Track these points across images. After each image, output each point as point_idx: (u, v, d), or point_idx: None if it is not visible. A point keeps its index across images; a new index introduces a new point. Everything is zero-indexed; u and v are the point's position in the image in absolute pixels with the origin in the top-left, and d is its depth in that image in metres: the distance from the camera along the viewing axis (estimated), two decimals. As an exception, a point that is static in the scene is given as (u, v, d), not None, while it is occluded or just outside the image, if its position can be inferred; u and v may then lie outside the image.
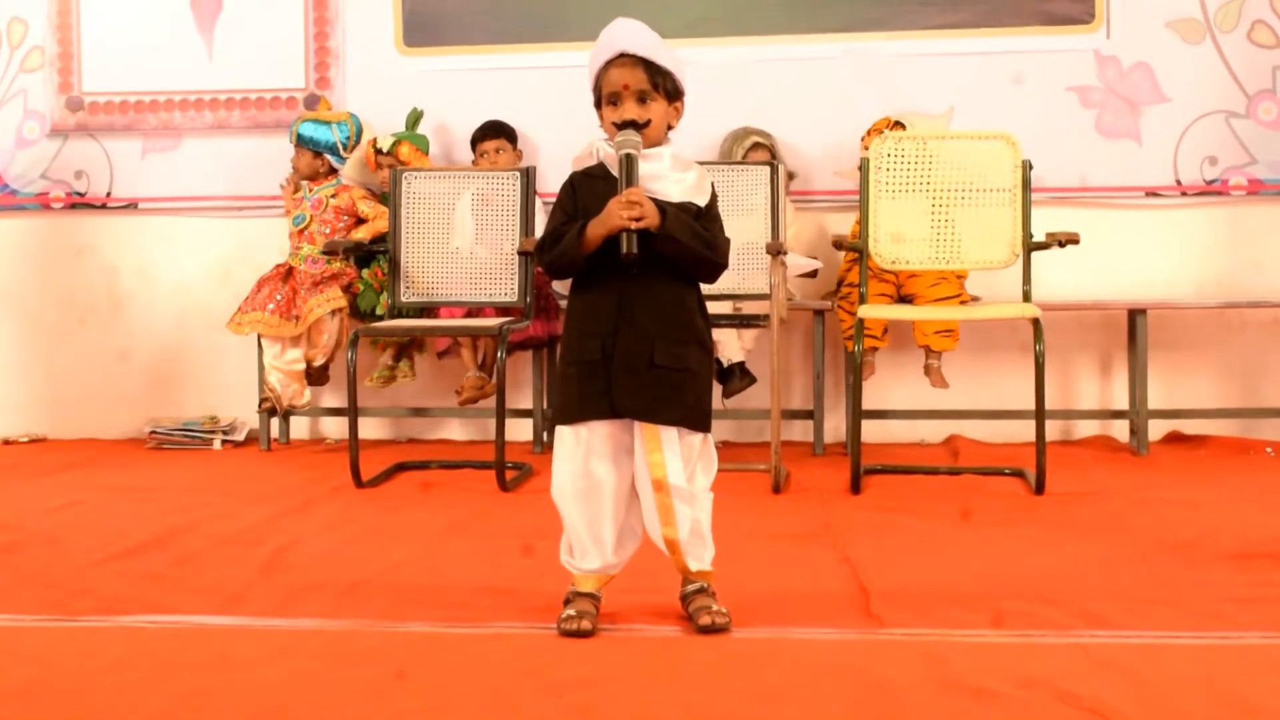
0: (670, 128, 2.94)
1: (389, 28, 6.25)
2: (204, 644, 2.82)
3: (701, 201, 2.93)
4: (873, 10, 6.02)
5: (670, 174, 2.89)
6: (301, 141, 5.92)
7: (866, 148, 5.61)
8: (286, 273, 5.88)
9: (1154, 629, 2.83)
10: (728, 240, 2.97)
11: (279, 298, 5.77)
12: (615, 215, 2.78)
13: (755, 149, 5.78)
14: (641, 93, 2.87)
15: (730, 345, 5.66)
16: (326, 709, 2.37)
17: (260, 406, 5.90)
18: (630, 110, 2.86)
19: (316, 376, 5.96)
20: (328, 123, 5.96)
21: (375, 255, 5.78)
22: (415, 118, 6.06)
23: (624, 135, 2.84)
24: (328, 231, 5.86)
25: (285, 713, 2.35)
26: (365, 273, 5.91)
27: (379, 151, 5.98)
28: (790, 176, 5.77)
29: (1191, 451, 5.61)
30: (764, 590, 3.20)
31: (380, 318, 5.67)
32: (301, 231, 5.91)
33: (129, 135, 6.38)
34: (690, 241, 2.85)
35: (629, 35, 2.90)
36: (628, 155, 2.82)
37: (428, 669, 2.59)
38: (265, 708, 2.37)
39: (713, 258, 2.91)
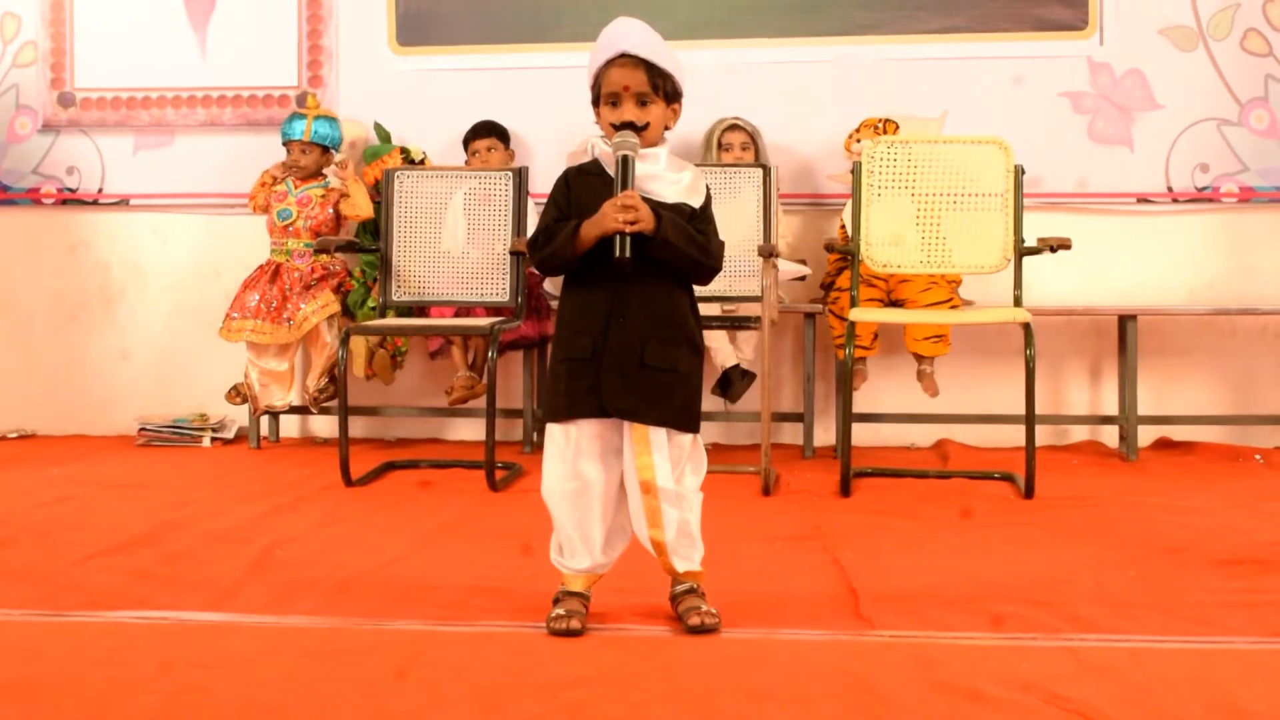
0: (667, 128, 2.94)
1: (382, 26, 6.24)
2: (194, 640, 2.82)
3: (696, 203, 2.93)
4: (867, 14, 6.03)
5: (666, 175, 2.89)
6: (317, 138, 5.91)
7: (857, 141, 5.63)
8: (273, 272, 5.86)
9: (1143, 633, 2.83)
10: (722, 243, 2.97)
11: (271, 301, 5.76)
12: (610, 218, 2.77)
13: (732, 130, 5.79)
14: (641, 95, 2.87)
15: (723, 351, 5.65)
16: (318, 706, 2.37)
17: (229, 396, 5.89)
18: (629, 112, 2.86)
19: (327, 396, 5.88)
20: (335, 120, 5.97)
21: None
22: (387, 133, 6.09)
23: (621, 136, 2.84)
24: (310, 225, 5.86)
25: (276, 710, 2.35)
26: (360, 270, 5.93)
27: (411, 162, 5.94)
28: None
29: (1180, 457, 5.62)
30: (753, 591, 3.21)
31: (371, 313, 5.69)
32: (287, 227, 5.90)
33: (121, 131, 6.38)
34: (685, 246, 2.84)
35: (631, 35, 2.90)
36: (624, 157, 2.81)
37: (418, 667, 2.58)
38: (256, 705, 2.37)
39: (707, 262, 2.91)
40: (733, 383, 5.71)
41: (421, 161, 5.97)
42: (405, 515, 4.33)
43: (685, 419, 2.88)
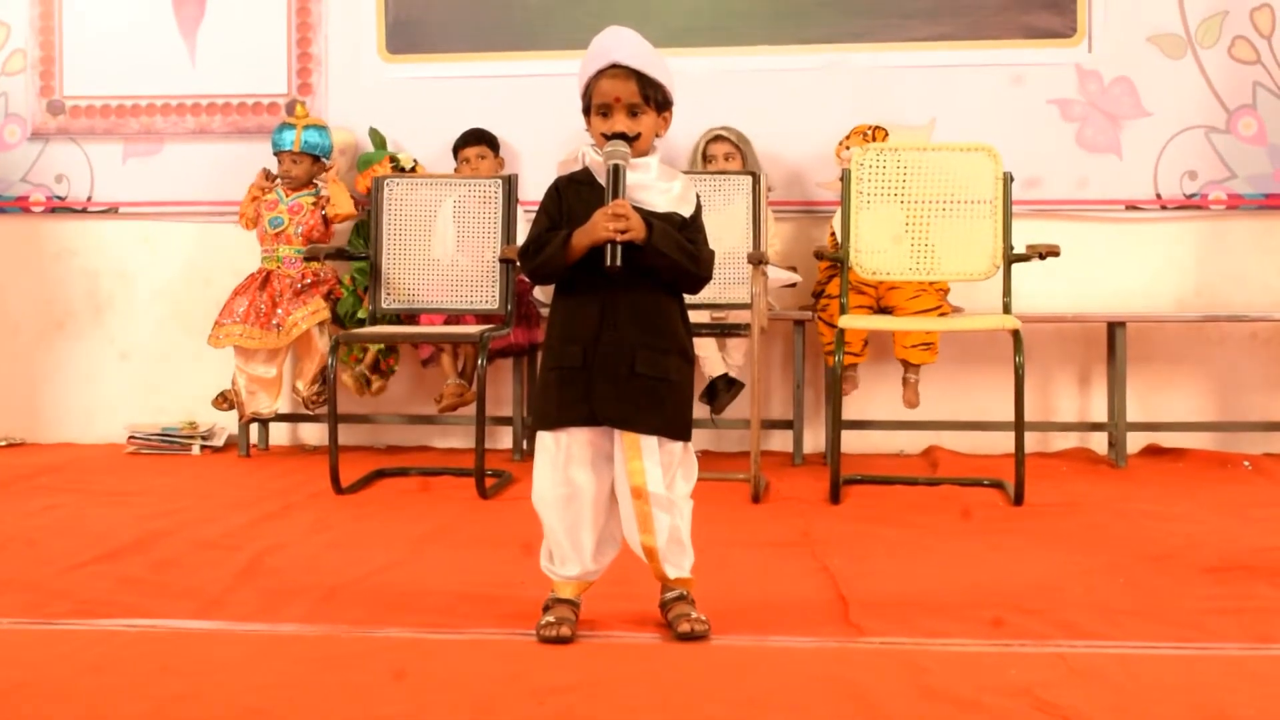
0: (658, 136, 2.95)
1: (371, 34, 6.24)
2: (183, 648, 2.82)
3: (686, 212, 2.93)
4: (856, 22, 6.03)
5: (656, 184, 2.90)
6: (307, 148, 5.91)
7: (845, 149, 5.64)
8: (264, 280, 5.85)
9: (1132, 639, 2.84)
10: (712, 252, 2.98)
11: (261, 307, 5.75)
12: (601, 227, 2.78)
13: (716, 140, 5.79)
14: (633, 106, 2.87)
15: (711, 360, 5.66)
16: (307, 713, 2.37)
17: (216, 402, 5.90)
18: (621, 123, 2.86)
19: (324, 398, 5.84)
20: (324, 128, 5.97)
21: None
22: (382, 139, 6.09)
23: (613, 146, 2.84)
24: (301, 231, 5.85)
25: (265, 716, 2.35)
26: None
27: (400, 169, 5.94)
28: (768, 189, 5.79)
29: (1170, 464, 5.62)
30: (743, 598, 3.21)
31: (361, 323, 5.68)
32: (278, 234, 5.89)
33: (110, 139, 6.37)
34: (676, 255, 2.85)
35: (623, 45, 2.90)
36: (616, 166, 2.82)
37: (408, 674, 2.58)
38: (245, 712, 2.37)
39: (697, 271, 2.91)
40: (719, 393, 5.71)
41: (412, 169, 5.97)
42: (395, 522, 4.33)
43: (677, 427, 2.88)
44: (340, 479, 4.85)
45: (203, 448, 6.03)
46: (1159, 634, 2.89)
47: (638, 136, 2.88)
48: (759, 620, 3.00)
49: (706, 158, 5.77)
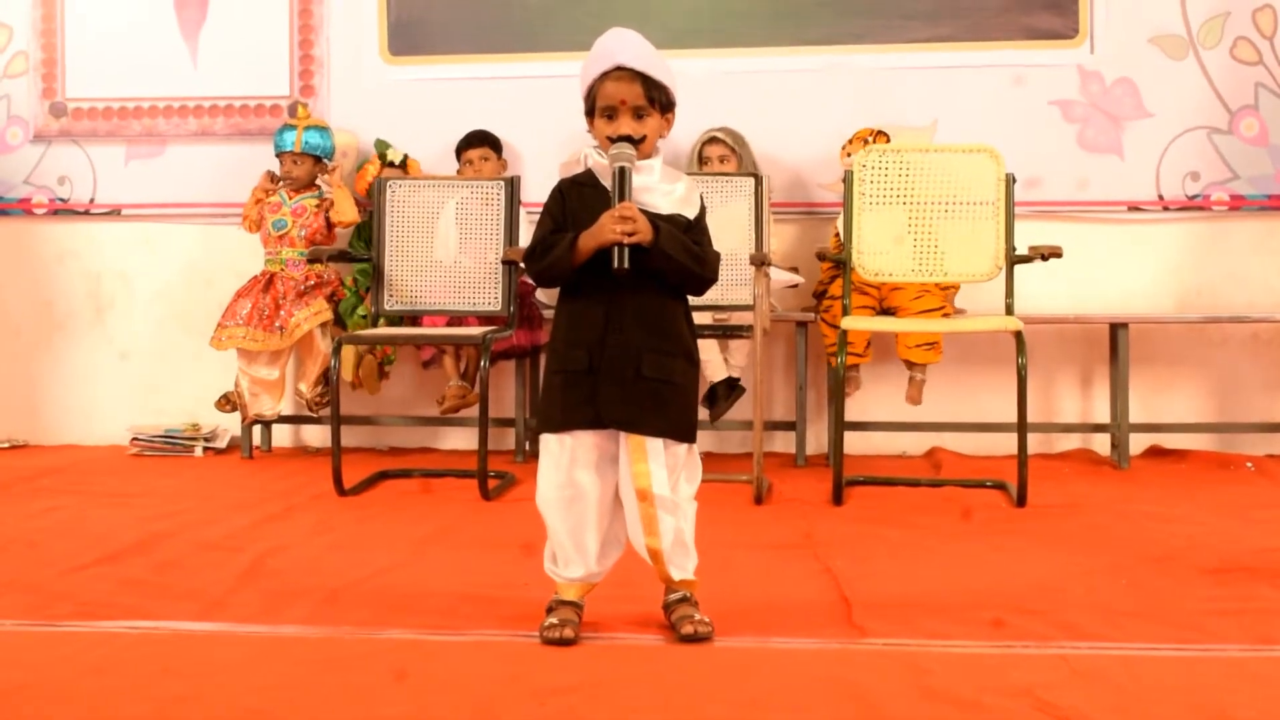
0: (660, 138, 2.94)
1: (373, 36, 6.24)
2: (185, 650, 2.82)
3: (690, 214, 2.93)
4: (856, 23, 6.03)
5: (660, 186, 2.89)
6: (308, 149, 5.91)
7: (846, 155, 5.64)
8: (267, 282, 5.85)
9: (1134, 640, 2.84)
10: (718, 254, 2.98)
11: (264, 309, 5.75)
12: (608, 229, 2.77)
13: (711, 142, 5.79)
14: (638, 108, 2.86)
15: (713, 364, 5.65)
16: (308, 715, 2.36)
17: (219, 404, 5.91)
18: (626, 126, 2.85)
19: (328, 400, 5.82)
20: (325, 128, 5.97)
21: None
22: (385, 147, 6.08)
23: (618, 148, 2.83)
24: (305, 234, 5.86)
25: (266, 719, 2.35)
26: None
27: (390, 164, 5.94)
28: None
29: (1172, 465, 5.62)
30: (746, 600, 3.21)
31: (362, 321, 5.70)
32: (281, 237, 5.89)
33: (113, 141, 6.37)
34: (682, 257, 2.85)
35: (627, 47, 2.89)
36: (621, 169, 2.81)
37: (410, 676, 2.58)
38: (246, 714, 2.36)
39: (702, 273, 2.91)
40: (719, 399, 5.70)
41: (402, 163, 5.96)
42: (397, 524, 4.32)
43: (682, 430, 2.88)
44: (343, 480, 4.85)
45: (205, 449, 6.03)
46: (1160, 635, 2.89)
47: (643, 139, 2.87)
48: (762, 622, 3.00)
49: (702, 159, 5.77)
